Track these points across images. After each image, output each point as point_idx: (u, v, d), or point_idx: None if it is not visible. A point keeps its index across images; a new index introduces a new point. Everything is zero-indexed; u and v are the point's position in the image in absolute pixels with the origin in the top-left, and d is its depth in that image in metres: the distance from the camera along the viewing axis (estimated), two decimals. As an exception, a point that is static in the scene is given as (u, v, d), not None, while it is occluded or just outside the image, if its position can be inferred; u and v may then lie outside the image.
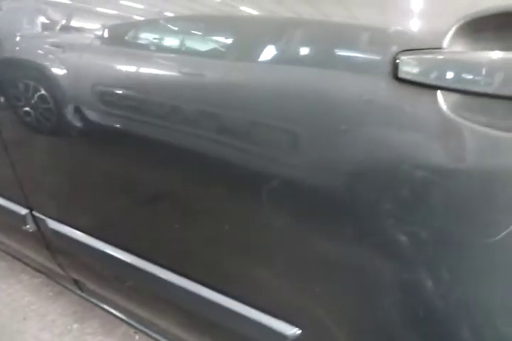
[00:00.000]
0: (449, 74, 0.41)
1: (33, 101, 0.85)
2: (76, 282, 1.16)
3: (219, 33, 0.60)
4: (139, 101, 0.68)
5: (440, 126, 0.43)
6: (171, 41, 0.66)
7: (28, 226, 1.05)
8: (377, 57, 0.46)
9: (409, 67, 0.43)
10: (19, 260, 1.48)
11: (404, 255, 0.49)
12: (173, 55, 0.64)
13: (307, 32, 0.52)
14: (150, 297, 0.94)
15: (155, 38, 0.67)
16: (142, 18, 0.71)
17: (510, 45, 0.40)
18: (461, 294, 0.47)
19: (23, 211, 1.05)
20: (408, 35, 0.44)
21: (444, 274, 0.47)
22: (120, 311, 1.14)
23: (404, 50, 0.43)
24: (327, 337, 0.63)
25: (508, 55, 0.39)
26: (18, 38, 0.86)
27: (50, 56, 0.79)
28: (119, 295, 1.04)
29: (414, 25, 0.45)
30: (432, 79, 0.42)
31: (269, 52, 0.54)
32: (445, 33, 0.42)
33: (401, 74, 0.43)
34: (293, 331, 0.66)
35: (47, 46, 0.81)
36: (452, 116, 0.42)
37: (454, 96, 0.42)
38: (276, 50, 0.53)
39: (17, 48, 0.86)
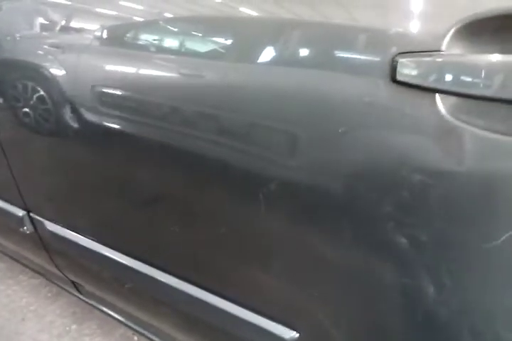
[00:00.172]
0: (448, 77, 0.41)
1: (31, 102, 0.84)
2: (74, 284, 1.16)
3: (218, 34, 0.60)
4: (138, 102, 0.68)
5: (438, 129, 0.43)
6: (170, 42, 0.65)
7: (25, 227, 1.05)
8: (375, 60, 0.45)
9: (407, 70, 0.43)
10: (17, 261, 1.48)
11: (404, 258, 0.49)
12: (172, 56, 0.64)
13: (306, 33, 0.51)
14: (148, 299, 0.94)
15: (154, 39, 0.67)
16: (141, 19, 0.70)
17: (509, 47, 0.40)
18: (462, 298, 0.47)
19: (21, 213, 1.05)
20: (406, 37, 0.44)
21: (445, 279, 0.47)
22: (119, 313, 1.14)
23: (403, 53, 0.43)
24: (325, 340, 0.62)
25: (507, 58, 0.39)
26: (17, 39, 0.85)
27: (49, 57, 0.79)
28: (118, 297, 1.04)
29: (413, 28, 0.44)
30: (430, 81, 0.42)
31: (268, 54, 0.53)
32: (444, 36, 0.41)
33: (399, 77, 0.43)
34: (291, 334, 0.65)
35: (46, 47, 0.80)
36: (451, 119, 0.42)
37: (453, 99, 0.42)
38: (276, 51, 0.53)
39: (16, 49, 0.86)
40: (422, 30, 0.44)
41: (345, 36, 0.48)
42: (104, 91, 0.72)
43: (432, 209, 0.45)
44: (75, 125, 0.77)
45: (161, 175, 0.72)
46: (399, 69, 0.43)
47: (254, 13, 0.59)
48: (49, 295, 1.56)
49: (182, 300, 0.80)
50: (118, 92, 0.70)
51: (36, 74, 0.82)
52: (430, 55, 0.42)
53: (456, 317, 0.48)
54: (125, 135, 0.71)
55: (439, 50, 0.41)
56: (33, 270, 1.45)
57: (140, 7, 0.70)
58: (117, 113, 0.71)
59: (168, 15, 0.68)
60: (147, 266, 0.83)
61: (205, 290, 0.75)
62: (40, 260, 1.18)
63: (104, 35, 0.72)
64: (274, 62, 0.53)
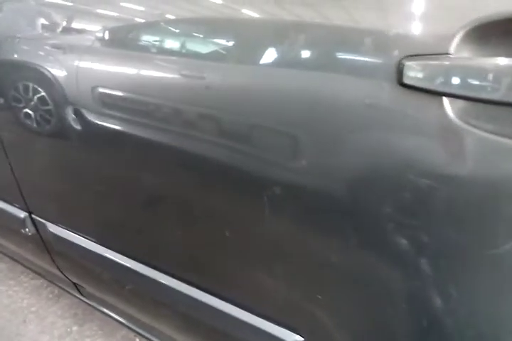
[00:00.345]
0: (456, 80, 0.40)
1: (32, 104, 0.84)
2: (76, 285, 1.16)
3: (220, 35, 0.60)
4: (140, 103, 0.67)
5: (446, 132, 0.42)
6: (171, 44, 0.65)
7: (27, 229, 1.05)
8: (382, 62, 0.45)
9: (414, 73, 0.42)
10: (18, 262, 1.48)
11: (407, 263, 0.48)
12: (173, 58, 0.63)
13: (313, 36, 0.51)
14: (150, 301, 0.93)
15: (156, 41, 0.66)
16: (143, 20, 0.70)
17: None
18: (467, 305, 0.46)
19: (22, 214, 1.05)
20: (413, 40, 0.44)
21: (449, 284, 0.46)
22: (120, 315, 1.14)
23: (410, 56, 0.42)
24: (329, 344, 0.62)
25: None
26: (18, 40, 0.85)
27: (51, 58, 0.79)
28: (119, 299, 1.04)
29: (420, 30, 0.44)
30: (437, 85, 0.41)
31: (271, 56, 0.53)
32: (451, 39, 0.41)
33: (406, 80, 0.43)
34: (295, 338, 0.65)
35: (47, 47, 0.80)
36: (459, 122, 0.41)
37: (461, 103, 0.41)
38: (280, 53, 0.53)
39: (17, 50, 0.86)
40: (429, 33, 0.43)
41: (351, 38, 0.48)
42: (106, 93, 0.72)
43: (439, 213, 0.45)
44: (77, 126, 0.77)
45: (163, 177, 0.71)
46: (406, 72, 0.42)
47: (270, 14, 0.58)
48: (50, 296, 1.56)
49: (184, 303, 0.80)
50: (121, 94, 0.70)
51: (38, 75, 0.82)
52: (438, 58, 0.41)
53: (462, 324, 0.48)
54: (128, 137, 0.71)
55: (446, 53, 0.41)
56: (34, 271, 1.45)
57: (142, 8, 0.70)
58: (119, 114, 0.71)
59: (169, 16, 0.67)
60: (149, 268, 0.83)
61: (207, 293, 0.75)
62: (41, 261, 1.17)
63: (106, 36, 0.72)
64: (277, 64, 0.53)
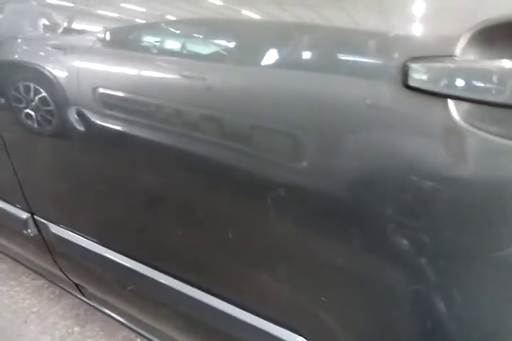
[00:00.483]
0: (461, 83, 0.40)
1: (34, 104, 0.84)
2: (77, 286, 1.16)
3: (221, 36, 0.59)
4: (142, 104, 0.67)
5: (451, 134, 0.42)
6: (173, 44, 0.65)
7: (29, 230, 1.05)
8: (386, 64, 0.45)
9: (419, 75, 0.42)
10: (20, 262, 1.48)
11: (411, 265, 0.48)
12: (175, 58, 0.63)
13: (316, 37, 0.51)
14: (152, 302, 0.93)
15: (157, 41, 0.66)
16: (146, 21, 0.70)
17: None
18: (471, 307, 0.46)
19: (25, 215, 1.05)
20: (418, 41, 0.43)
21: (453, 287, 0.46)
22: (121, 315, 1.14)
23: (415, 58, 0.42)
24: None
25: None
26: (20, 40, 0.85)
27: (52, 58, 0.79)
28: (121, 300, 1.04)
29: (425, 32, 0.44)
30: (442, 87, 0.41)
31: (273, 57, 0.53)
32: (457, 41, 0.41)
33: (411, 82, 0.42)
34: (297, 340, 0.65)
35: (49, 48, 0.80)
36: (464, 125, 0.41)
37: (466, 105, 0.41)
38: (283, 55, 0.52)
39: (19, 50, 0.86)
40: (434, 34, 0.43)
41: (355, 40, 0.47)
42: (109, 94, 0.72)
43: (444, 215, 0.45)
44: (80, 127, 0.77)
45: (165, 178, 0.71)
46: (411, 74, 0.42)
47: (279, 16, 0.58)
48: (51, 296, 1.56)
49: (185, 303, 0.80)
50: (125, 95, 0.70)
51: (40, 75, 0.82)
52: (443, 61, 0.41)
53: (466, 327, 0.48)
54: (129, 137, 0.71)
55: (452, 56, 0.41)
56: (35, 271, 1.45)
57: (143, 9, 0.70)
58: (122, 115, 0.71)
59: (171, 17, 0.67)
60: (151, 269, 0.83)
61: (209, 294, 0.75)
62: (43, 262, 1.17)
63: (108, 37, 0.72)
64: (279, 65, 0.53)
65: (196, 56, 0.61)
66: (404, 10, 0.45)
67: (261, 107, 0.54)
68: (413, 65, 0.42)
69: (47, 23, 0.83)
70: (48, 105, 0.82)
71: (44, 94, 0.82)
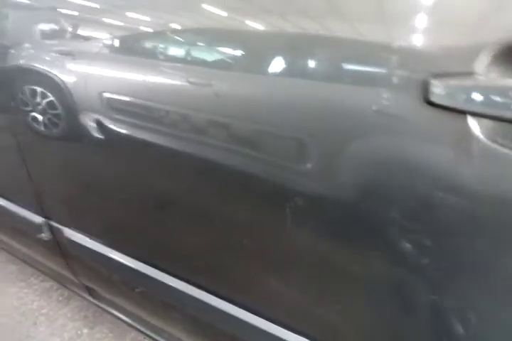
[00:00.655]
0: (482, 100, 0.41)
1: (48, 110, 0.85)
2: (88, 289, 1.17)
3: (230, 45, 0.60)
4: (153, 110, 0.68)
5: (473, 151, 0.43)
6: (178, 51, 0.66)
7: (43, 234, 1.06)
8: (408, 80, 0.45)
9: (441, 91, 0.42)
10: (29, 264, 1.49)
11: (423, 272, 0.50)
12: (180, 65, 0.64)
13: (340, 51, 0.50)
14: (161, 304, 0.94)
15: (164, 49, 0.67)
16: (153, 30, 0.71)
17: None
18: (481, 314, 0.48)
19: (39, 219, 1.06)
20: (441, 58, 0.44)
21: (463, 294, 0.48)
22: (131, 318, 1.15)
23: (437, 74, 0.43)
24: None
25: None
26: (27, 46, 0.86)
27: (58, 63, 0.79)
28: (133, 304, 1.05)
29: (448, 49, 0.44)
30: (464, 104, 0.42)
31: (281, 65, 0.53)
32: (479, 58, 0.41)
33: (433, 98, 0.43)
34: (308, 344, 0.66)
35: (57, 54, 0.81)
36: (486, 141, 0.42)
37: (488, 122, 0.42)
38: (294, 64, 0.53)
39: (27, 55, 0.87)
40: (457, 51, 0.43)
41: (378, 55, 0.47)
42: (123, 100, 0.73)
43: (467, 232, 0.45)
44: (93, 132, 0.78)
45: (177, 183, 0.73)
46: (433, 90, 0.43)
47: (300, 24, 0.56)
48: (60, 298, 1.57)
49: (194, 306, 0.81)
50: (137, 101, 0.70)
51: (51, 80, 0.82)
52: (464, 77, 0.42)
53: (476, 334, 0.49)
54: (141, 142, 0.72)
55: (473, 73, 0.41)
56: (44, 273, 1.46)
57: (150, 19, 0.71)
58: (136, 121, 0.71)
59: (177, 26, 0.68)
60: (168, 275, 0.84)
61: (220, 298, 0.76)
62: (55, 266, 1.18)
63: (116, 44, 0.73)
64: (290, 74, 0.53)
65: (203, 63, 0.62)
66: (428, 27, 0.45)
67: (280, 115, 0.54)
68: (435, 82, 0.43)
69: (56, 29, 0.84)
70: (58, 109, 0.83)
71: (52, 98, 0.83)
